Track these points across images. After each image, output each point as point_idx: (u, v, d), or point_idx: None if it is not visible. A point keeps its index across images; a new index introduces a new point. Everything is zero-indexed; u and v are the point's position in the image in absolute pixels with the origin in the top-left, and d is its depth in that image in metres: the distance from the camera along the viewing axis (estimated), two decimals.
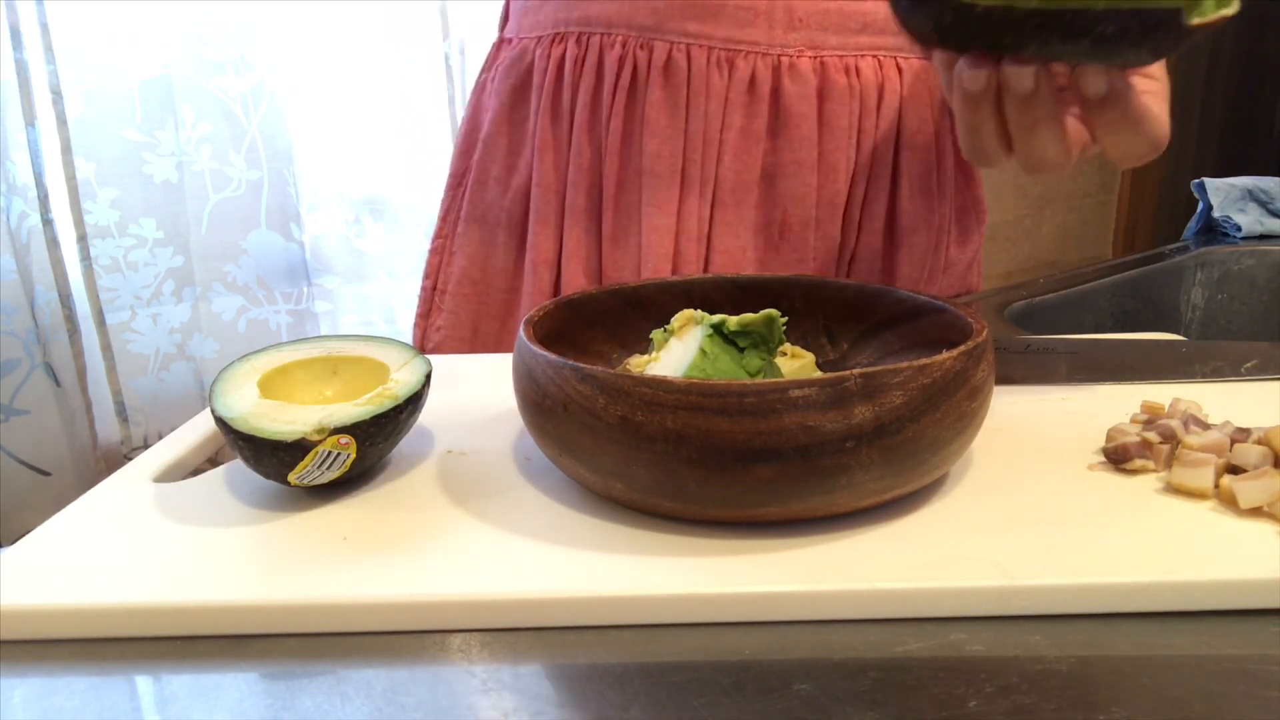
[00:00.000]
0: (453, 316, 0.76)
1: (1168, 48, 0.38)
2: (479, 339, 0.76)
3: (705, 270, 0.70)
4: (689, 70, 0.66)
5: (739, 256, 0.70)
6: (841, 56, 0.68)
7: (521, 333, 0.42)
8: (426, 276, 0.78)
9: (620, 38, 0.67)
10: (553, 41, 0.71)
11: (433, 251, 0.78)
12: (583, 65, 0.69)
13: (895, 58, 0.70)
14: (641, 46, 0.67)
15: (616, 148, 0.68)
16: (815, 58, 0.67)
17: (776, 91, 0.67)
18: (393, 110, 1.46)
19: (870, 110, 0.69)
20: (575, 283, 0.71)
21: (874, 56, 0.69)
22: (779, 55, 0.66)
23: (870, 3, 0.67)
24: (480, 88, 0.79)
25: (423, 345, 0.79)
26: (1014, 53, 0.41)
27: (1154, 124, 0.44)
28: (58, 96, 1.20)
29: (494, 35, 0.79)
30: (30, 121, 1.18)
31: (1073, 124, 0.46)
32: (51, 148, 1.22)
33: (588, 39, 0.69)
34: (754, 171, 0.68)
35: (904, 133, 0.71)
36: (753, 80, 0.67)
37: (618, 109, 0.68)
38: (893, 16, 0.43)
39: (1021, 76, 0.41)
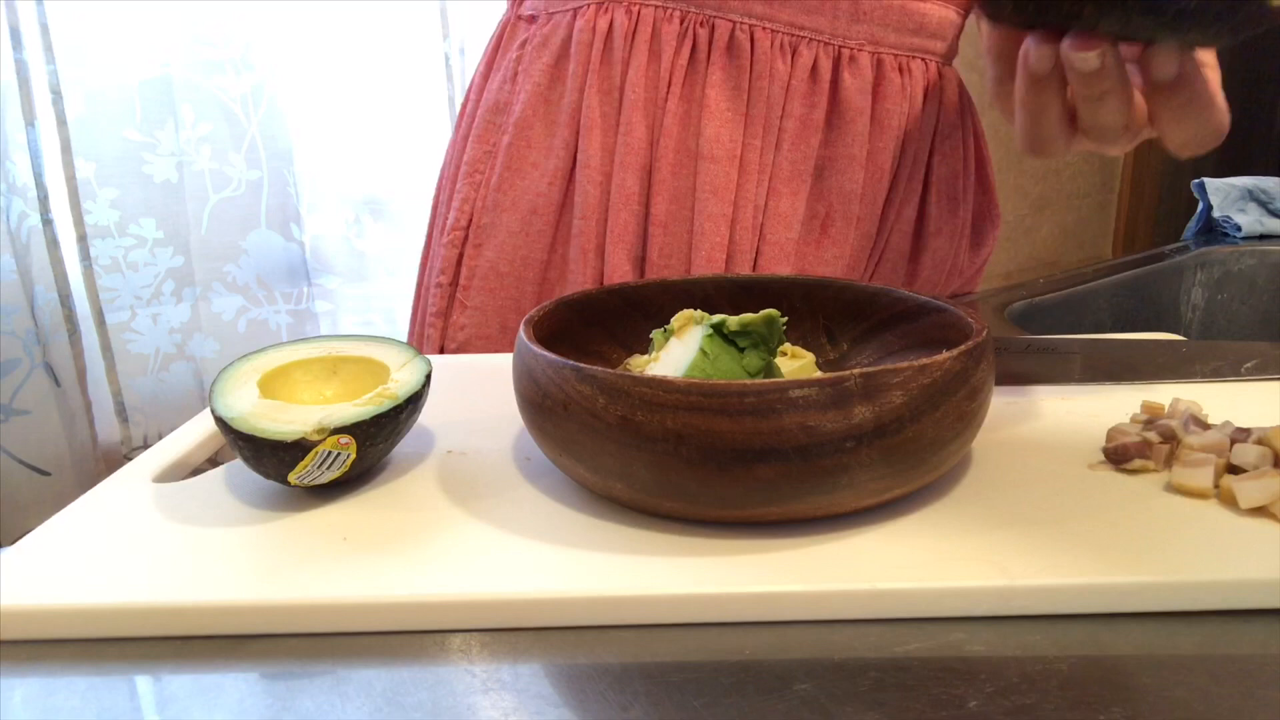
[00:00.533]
0: (478, 313, 0.71)
1: (1248, 26, 0.37)
2: (508, 335, 0.71)
3: (756, 262, 0.68)
4: (752, 53, 0.65)
5: (788, 249, 0.68)
6: (896, 55, 0.67)
7: (521, 333, 0.42)
8: (442, 272, 0.73)
9: (678, 12, 0.65)
10: (597, 11, 0.67)
11: (448, 245, 0.72)
12: (634, 38, 0.66)
13: (938, 62, 0.70)
14: (702, 24, 0.65)
15: (674, 129, 0.66)
16: (874, 54, 0.66)
17: (836, 83, 0.66)
18: (393, 110, 1.46)
19: (916, 112, 0.69)
20: (620, 270, 0.68)
21: (923, 59, 0.69)
22: (840, 46, 0.66)
23: (929, 4, 0.67)
24: (489, 69, 0.75)
25: (443, 345, 0.73)
26: (1089, 26, 0.39)
27: (1219, 111, 0.42)
28: (58, 96, 1.21)
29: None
30: (30, 121, 1.18)
31: (1136, 97, 0.44)
32: (51, 148, 1.22)
33: (639, 10, 0.66)
34: (809, 163, 0.67)
35: (937, 137, 0.71)
36: (814, 69, 0.66)
37: (675, 88, 0.65)
38: None
39: (1087, 60, 0.39)
